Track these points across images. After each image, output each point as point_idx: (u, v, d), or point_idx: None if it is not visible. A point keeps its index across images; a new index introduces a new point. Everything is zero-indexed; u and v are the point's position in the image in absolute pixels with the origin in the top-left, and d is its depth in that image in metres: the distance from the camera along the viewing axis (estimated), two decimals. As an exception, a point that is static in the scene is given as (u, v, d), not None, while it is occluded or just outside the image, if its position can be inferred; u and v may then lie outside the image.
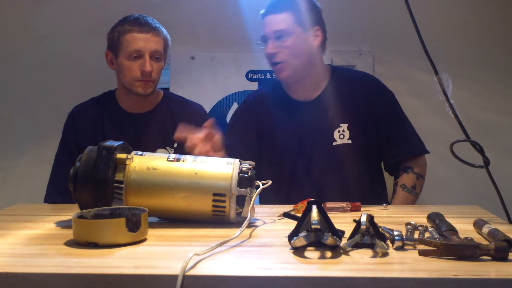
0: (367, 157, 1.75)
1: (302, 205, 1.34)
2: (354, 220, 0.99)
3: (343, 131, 1.74)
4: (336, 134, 1.74)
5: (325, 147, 1.73)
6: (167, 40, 1.77)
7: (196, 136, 1.43)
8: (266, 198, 1.75)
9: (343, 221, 1.15)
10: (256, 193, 1.18)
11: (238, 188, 1.16)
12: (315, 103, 1.78)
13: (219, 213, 1.17)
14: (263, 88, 1.94)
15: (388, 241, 0.97)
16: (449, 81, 1.41)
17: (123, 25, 1.72)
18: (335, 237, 0.93)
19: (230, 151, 1.58)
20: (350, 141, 1.72)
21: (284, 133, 1.79)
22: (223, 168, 1.18)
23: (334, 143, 1.73)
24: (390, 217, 1.33)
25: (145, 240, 1.03)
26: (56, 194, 1.72)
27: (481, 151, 1.28)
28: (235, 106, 2.44)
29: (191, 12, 2.39)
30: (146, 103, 1.81)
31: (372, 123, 1.75)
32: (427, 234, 1.08)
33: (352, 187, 1.70)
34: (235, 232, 1.03)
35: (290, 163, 1.77)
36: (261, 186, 1.22)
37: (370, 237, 0.95)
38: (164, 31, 1.76)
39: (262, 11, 1.76)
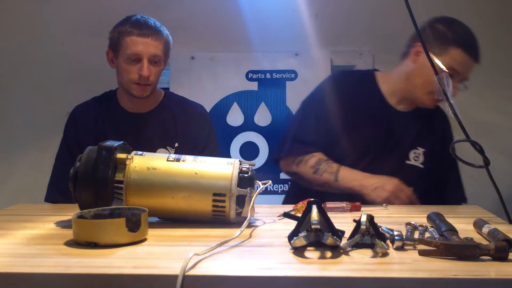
0: (429, 185, 1.74)
1: (302, 205, 1.34)
2: (354, 220, 0.99)
3: (419, 154, 1.73)
4: (411, 154, 1.73)
5: (396, 161, 1.72)
6: (168, 43, 1.76)
7: None
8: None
9: (343, 221, 1.15)
10: (256, 193, 1.18)
11: (238, 188, 1.16)
12: (411, 115, 1.76)
13: (219, 213, 1.17)
14: (357, 73, 1.91)
15: (388, 241, 0.97)
16: (449, 81, 1.41)
17: (124, 25, 1.71)
18: (335, 237, 0.93)
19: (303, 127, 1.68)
20: (422, 166, 1.73)
21: (368, 128, 1.75)
22: (223, 168, 1.18)
23: (407, 162, 1.73)
24: (390, 217, 1.33)
25: (145, 240, 1.03)
26: (57, 193, 1.72)
27: (481, 151, 1.28)
28: (235, 106, 2.44)
29: (191, 12, 2.39)
30: (147, 103, 1.80)
31: (442, 156, 1.73)
32: (427, 234, 1.08)
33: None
34: (235, 232, 1.03)
35: (354, 159, 1.71)
36: (261, 186, 1.22)
37: (370, 237, 0.95)
38: (165, 33, 1.74)
39: None
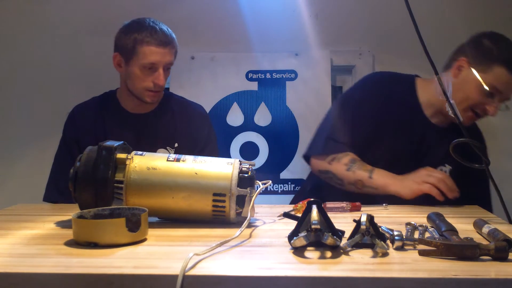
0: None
1: (302, 205, 1.34)
2: (354, 220, 0.99)
3: (445, 172, 1.67)
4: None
5: None
6: (177, 48, 1.76)
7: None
8: None
9: (343, 221, 1.15)
10: (256, 193, 1.18)
11: (238, 188, 1.16)
12: (444, 130, 1.68)
13: (219, 213, 1.17)
14: (398, 77, 1.80)
15: (388, 241, 0.97)
16: (449, 81, 1.41)
17: (140, 33, 1.67)
18: (335, 237, 0.93)
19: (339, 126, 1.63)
20: None
21: (400, 138, 1.69)
22: (223, 168, 1.18)
23: None
24: (390, 217, 1.33)
25: (145, 240, 1.03)
26: (56, 192, 1.72)
27: (481, 151, 1.28)
28: (235, 106, 2.44)
29: (192, 12, 2.39)
30: (147, 103, 1.80)
31: (471, 176, 1.59)
32: (427, 234, 1.08)
33: None
34: (235, 232, 1.03)
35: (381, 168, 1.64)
36: (261, 186, 1.22)
37: (370, 237, 0.95)
38: (175, 37, 1.74)
39: None
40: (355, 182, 1.62)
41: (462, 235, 1.01)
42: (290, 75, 2.44)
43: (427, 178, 1.51)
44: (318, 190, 1.77)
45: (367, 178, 1.59)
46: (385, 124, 1.69)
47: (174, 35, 1.73)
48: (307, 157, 1.79)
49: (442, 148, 1.66)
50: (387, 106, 1.70)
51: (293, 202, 1.90)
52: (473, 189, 1.62)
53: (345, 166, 1.63)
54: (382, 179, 1.58)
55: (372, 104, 1.71)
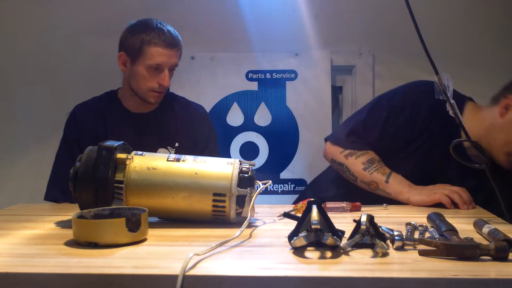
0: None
1: (302, 205, 1.34)
2: (354, 220, 0.99)
3: None
4: None
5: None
6: (182, 49, 1.76)
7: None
8: None
9: (343, 221, 1.15)
10: (256, 193, 1.18)
11: (238, 188, 1.16)
12: (476, 170, 1.45)
13: (219, 213, 1.17)
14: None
15: (388, 241, 0.97)
16: (449, 81, 1.41)
17: (147, 34, 1.68)
18: (335, 237, 0.93)
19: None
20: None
21: (430, 160, 1.61)
22: (223, 168, 1.18)
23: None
24: (390, 217, 1.33)
25: (145, 240, 1.03)
26: (57, 192, 1.72)
27: (481, 151, 1.28)
28: (235, 106, 2.44)
29: (192, 12, 2.39)
30: (150, 104, 1.80)
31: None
32: (427, 234, 1.08)
33: None
34: (235, 232, 1.03)
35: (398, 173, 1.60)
36: (261, 186, 1.22)
37: (370, 237, 0.95)
38: (181, 39, 1.74)
39: None
40: (369, 183, 1.59)
41: (462, 235, 1.01)
42: (290, 75, 2.44)
43: (441, 190, 1.47)
44: (328, 189, 1.73)
45: (383, 182, 1.57)
46: (415, 137, 1.62)
47: (180, 37, 1.73)
48: (326, 140, 1.76)
49: (471, 185, 1.54)
50: (424, 122, 1.60)
51: (299, 198, 1.88)
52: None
53: (362, 165, 1.61)
54: (397, 186, 1.54)
55: (409, 116, 1.61)
